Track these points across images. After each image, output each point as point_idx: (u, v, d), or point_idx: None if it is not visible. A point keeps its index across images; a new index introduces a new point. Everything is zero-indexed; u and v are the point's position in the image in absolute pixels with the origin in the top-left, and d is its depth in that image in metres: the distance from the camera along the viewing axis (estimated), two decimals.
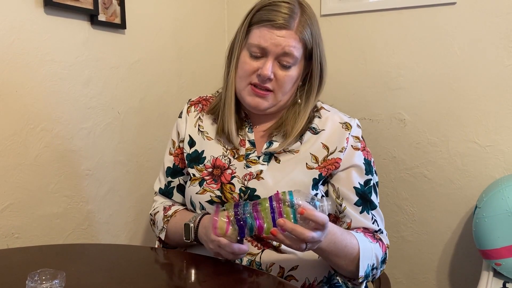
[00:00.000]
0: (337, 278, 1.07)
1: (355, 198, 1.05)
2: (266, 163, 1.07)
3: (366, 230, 1.07)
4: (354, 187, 1.05)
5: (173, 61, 1.71)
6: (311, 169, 1.05)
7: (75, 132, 1.37)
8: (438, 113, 1.65)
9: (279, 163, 1.07)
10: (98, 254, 1.05)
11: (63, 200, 1.35)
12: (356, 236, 1.00)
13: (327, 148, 1.07)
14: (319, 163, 1.06)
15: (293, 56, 1.02)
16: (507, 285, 1.36)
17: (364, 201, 1.06)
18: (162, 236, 1.12)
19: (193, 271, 0.96)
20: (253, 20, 1.05)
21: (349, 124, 1.09)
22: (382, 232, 1.09)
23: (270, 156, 1.08)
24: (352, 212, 1.06)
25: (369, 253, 1.00)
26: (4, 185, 1.20)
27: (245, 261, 1.03)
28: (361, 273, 0.99)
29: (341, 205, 1.06)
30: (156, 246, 1.18)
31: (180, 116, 1.19)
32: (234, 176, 1.07)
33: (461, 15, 1.58)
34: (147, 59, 1.59)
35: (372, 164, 1.10)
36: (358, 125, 1.11)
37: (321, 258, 1.02)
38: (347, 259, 0.98)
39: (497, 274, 1.41)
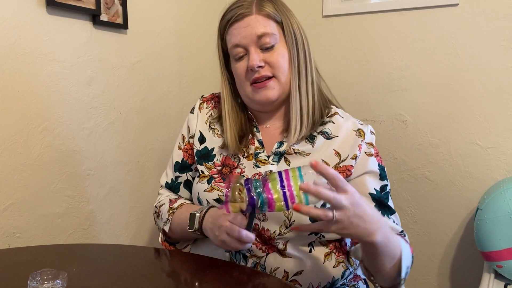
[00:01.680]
0: None
1: (372, 204, 1.02)
2: (275, 163, 1.06)
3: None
4: (370, 193, 1.02)
5: (174, 61, 1.71)
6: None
7: (76, 132, 1.37)
8: (439, 115, 1.65)
9: (289, 164, 1.05)
10: (99, 254, 1.05)
11: (65, 200, 1.35)
12: (397, 236, 0.94)
13: (339, 155, 1.05)
14: None
15: (268, 34, 1.02)
16: (508, 287, 1.36)
17: (382, 206, 1.03)
18: (166, 228, 1.11)
19: (195, 272, 0.96)
20: (221, 31, 1.09)
21: (363, 131, 1.07)
22: (405, 235, 1.05)
23: (280, 157, 1.07)
24: None
25: (407, 254, 0.94)
26: (5, 184, 1.20)
27: (250, 263, 1.03)
28: (403, 274, 0.92)
29: None
30: (159, 239, 1.17)
31: (192, 112, 1.19)
32: (243, 176, 1.06)
33: (463, 17, 1.58)
34: (149, 59, 1.59)
35: (385, 170, 1.08)
36: (371, 132, 1.09)
37: (364, 261, 0.96)
38: (392, 260, 0.91)
39: (498, 276, 1.41)
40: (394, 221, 1.04)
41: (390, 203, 1.05)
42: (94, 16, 1.37)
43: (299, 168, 0.84)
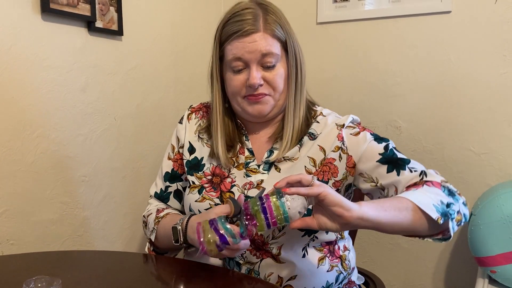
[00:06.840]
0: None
1: (384, 167, 1.00)
2: (266, 171, 1.07)
3: (408, 188, 0.98)
4: (377, 161, 1.01)
5: (170, 68, 1.71)
6: (310, 173, 1.04)
7: (71, 138, 1.36)
8: (433, 121, 1.66)
9: (279, 171, 1.06)
10: (93, 261, 1.05)
11: (59, 206, 1.34)
12: (395, 196, 0.94)
13: (324, 150, 1.06)
14: (317, 167, 1.05)
15: (272, 54, 1.01)
16: None
17: (394, 163, 1.00)
18: (153, 238, 1.10)
19: (189, 279, 0.96)
20: (222, 38, 1.05)
21: (340, 125, 1.08)
22: (426, 175, 0.99)
23: (270, 165, 1.07)
24: (391, 180, 0.99)
25: (422, 197, 0.90)
26: None
27: (243, 269, 1.03)
28: (434, 215, 0.88)
29: (381, 188, 1.01)
30: (146, 249, 1.15)
31: (180, 122, 1.19)
32: (234, 185, 1.07)
33: (456, 24, 1.59)
34: (144, 65, 1.60)
35: (378, 134, 1.07)
36: (352, 121, 1.09)
37: (381, 230, 0.92)
38: (406, 210, 0.88)
39: (492, 281, 1.41)
40: (411, 170, 0.99)
41: (400, 154, 1.03)
42: (89, 23, 1.38)
43: (278, 190, 0.86)
